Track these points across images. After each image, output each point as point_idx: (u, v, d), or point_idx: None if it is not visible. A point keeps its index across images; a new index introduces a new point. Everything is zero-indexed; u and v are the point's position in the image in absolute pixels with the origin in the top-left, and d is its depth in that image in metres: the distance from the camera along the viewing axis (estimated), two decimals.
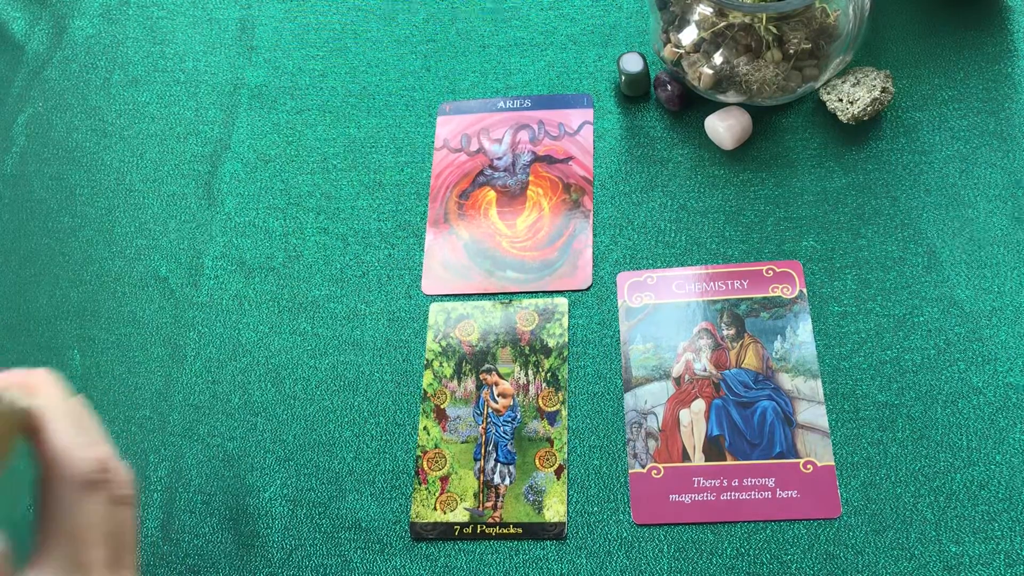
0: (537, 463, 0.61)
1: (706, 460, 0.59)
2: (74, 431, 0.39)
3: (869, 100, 0.66)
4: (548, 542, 0.58)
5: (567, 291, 0.66)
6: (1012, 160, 0.66)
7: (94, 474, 0.37)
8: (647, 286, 0.65)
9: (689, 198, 0.68)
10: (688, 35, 0.66)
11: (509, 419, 0.62)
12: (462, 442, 0.62)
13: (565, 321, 0.65)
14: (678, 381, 0.62)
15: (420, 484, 0.61)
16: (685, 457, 0.59)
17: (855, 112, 0.66)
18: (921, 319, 0.62)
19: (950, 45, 0.71)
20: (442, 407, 0.63)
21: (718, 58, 0.65)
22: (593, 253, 0.67)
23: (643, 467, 0.59)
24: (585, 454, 0.61)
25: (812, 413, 0.60)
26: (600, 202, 0.69)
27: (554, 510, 0.59)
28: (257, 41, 0.80)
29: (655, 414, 0.61)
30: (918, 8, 0.73)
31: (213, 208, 0.72)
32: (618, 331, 0.64)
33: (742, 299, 0.64)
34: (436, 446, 0.62)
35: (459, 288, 0.67)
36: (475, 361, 0.64)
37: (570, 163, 0.71)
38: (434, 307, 0.67)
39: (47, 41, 0.82)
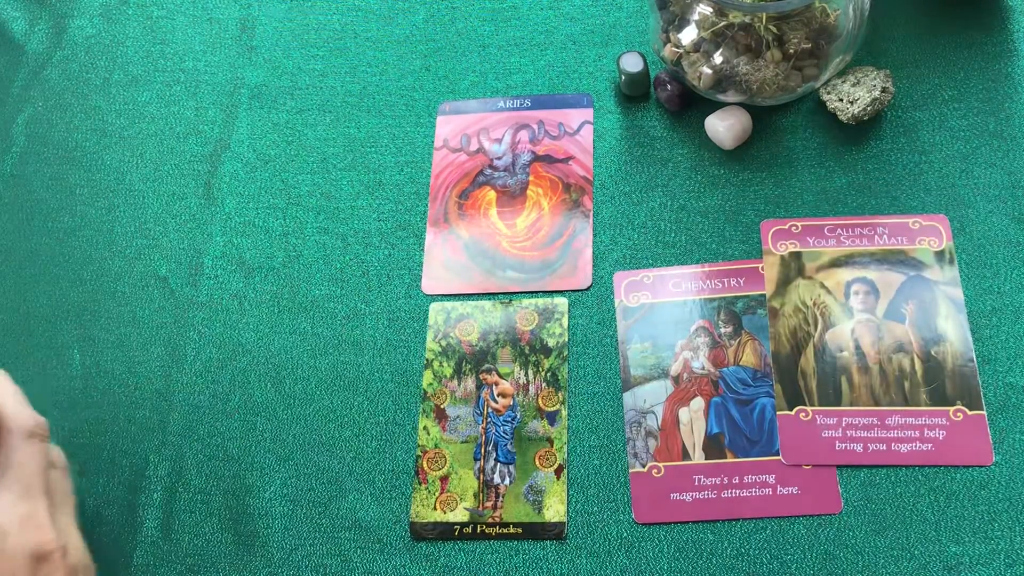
0: (537, 463, 0.61)
1: (706, 458, 0.59)
2: (14, 395, 0.54)
3: (869, 100, 0.66)
4: (548, 542, 0.58)
5: (567, 291, 0.66)
6: (1012, 160, 0.66)
7: (36, 427, 0.53)
8: (644, 285, 0.65)
9: (689, 198, 0.68)
10: (688, 35, 0.66)
11: (509, 419, 0.62)
12: (462, 442, 0.62)
13: (565, 321, 0.65)
14: (676, 380, 0.62)
15: (420, 484, 0.61)
16: (685, 455, 0.59)
17: (855, 112, 0.66)
18: None
19: (950, 45, 0.71)
20: (442, 407, 0.63)
21: (718, 58, 0.65)
22: (593, 253, 0.67)
23: (643, 466, 0.59)
24: (585, 454, 0.61)
25: None
26: (600, 202, 0.69)
27: (554, 510, 0.59)
28: (257, 41, 0.80)
29: (654, 413, 0.61)
30: (918, 8, 0.73)
31: (213, 208, 0.72)
32: (617, 330, 0.64)
33: (739, 296, 0.64)
34: (436, 446, 0.62)
35: (459, 288, 0.67)
36: (475, 361, 0.64)
37: (570, 163, 0.71)
38: (434, 307, 0.67)
39: (47, 41, 0.82)
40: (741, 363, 0.61)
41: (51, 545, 0.49)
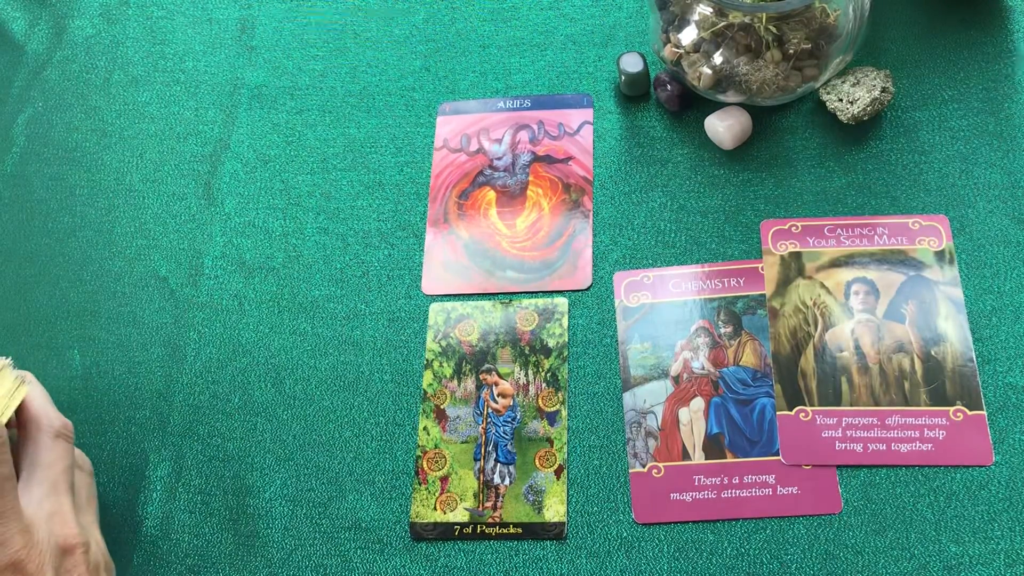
0: (537, 463, 0.61)
1: (706, 458, 0.59)
2: (42, 396, 0.55)
3: (869, 100, 0.66)
4: (548, 542, 0.58)
5: (567, 291, 0.66)
6: (1012, 160, 0.66)
7: (63, 428, 0.54)
8: (644, 285, 0.65)
9: (689, 198, 0.68)
10: (688, 35, 0.66)
11: (509, 419, 0.62)
12: (462, 442, 0.62)
13: (565, 321, 0.65)
14: (676, 380, 0.62)
15: (420, 484, 0.61)
16: (685, 455, 0.59)
17: (855, 112, 0.66)
18: None
19: (950, 45, 0.71)
20: (442, 407, 0.63)
21: (718, 58, 0.65)
22: (593, 253, 0.67)
23: (643, 466, 0.59)
24: (585, 454, 0.61)
25: None
26: (600, 202, 0.69)
27: (554, 510, 0.59)
28: (257, 41, 0.80)
29: (654, 413, 0.61)
30: (918, 8, 0.73)
31: (213, 208, 0.73)
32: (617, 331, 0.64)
33: (739, 296, 0.64)
34: (436, 446, 0.62)
35: (459, 288, 0.67)
36: (475, 361, 0.64)
37: (570, 163, 0.71)
38: (434, 307, 0.67)
39: (47, 41, 0.82)
40: (741, 363, 0.61)
41: (75, 540, 0.51)
